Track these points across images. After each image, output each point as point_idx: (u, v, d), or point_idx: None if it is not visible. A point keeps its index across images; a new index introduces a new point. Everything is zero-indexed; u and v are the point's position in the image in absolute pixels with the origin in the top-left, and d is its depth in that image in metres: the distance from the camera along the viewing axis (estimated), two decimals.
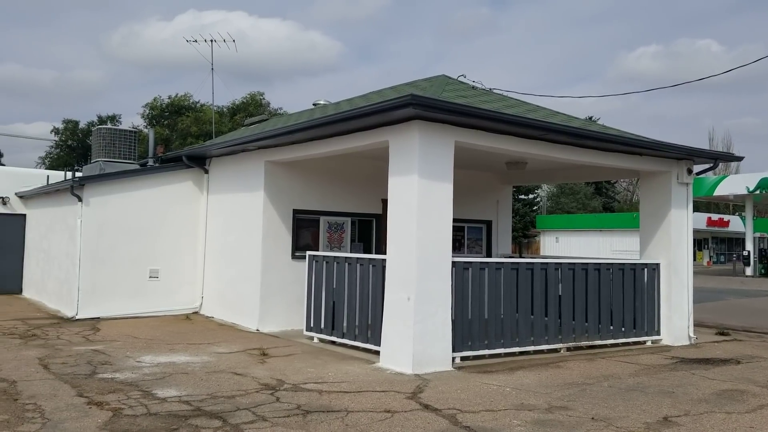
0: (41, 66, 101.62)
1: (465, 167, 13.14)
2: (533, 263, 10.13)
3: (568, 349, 10.27)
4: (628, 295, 11.05)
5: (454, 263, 8.96)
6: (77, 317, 12.65)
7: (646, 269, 11.37)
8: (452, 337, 8.79)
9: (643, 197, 12.28)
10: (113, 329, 11.50)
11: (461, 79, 12.41)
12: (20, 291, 17.64)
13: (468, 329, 9.17)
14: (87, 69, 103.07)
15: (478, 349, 9.29)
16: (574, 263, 10.59)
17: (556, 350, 10.13)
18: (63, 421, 5.86)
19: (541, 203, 61.44)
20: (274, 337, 11.12)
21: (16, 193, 17.80)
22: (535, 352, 9.93)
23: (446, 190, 8.83)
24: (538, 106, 12.08)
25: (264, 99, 50.81)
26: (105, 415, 6.06)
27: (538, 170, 14.34)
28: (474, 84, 12.31)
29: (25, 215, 17.90)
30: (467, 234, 15.35)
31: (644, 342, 11.22)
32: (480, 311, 9.33)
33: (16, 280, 17.71)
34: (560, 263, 10.45)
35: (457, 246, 14.78)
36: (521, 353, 9.76)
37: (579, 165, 12.24)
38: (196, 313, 13.75)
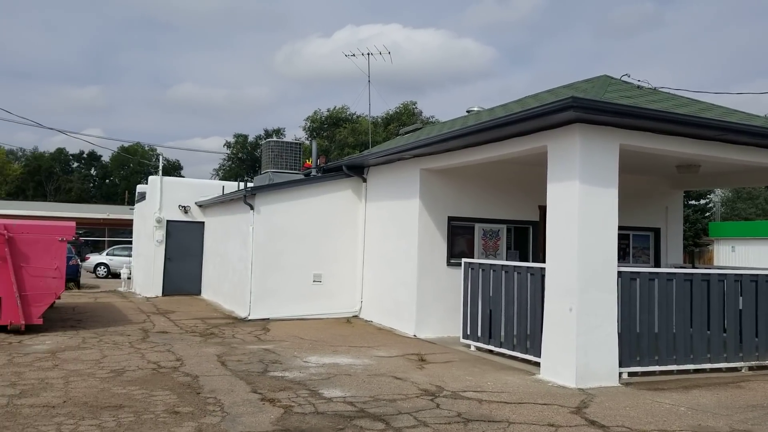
0: (215, 85, 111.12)
1: (631, 171, 12.46)
2: (709, 274, 9.35)
3: (750, 368, 9.36)
4: None
5: (620, 273, 8.51)
6: (249, 318, 13.59)
7: None
8: (619, 351, 8.34)
9: None
10: (281, 330, 12.21)
11: (624, 78, 11.77)
12: (199, 292, 19.30)
13: (636, 343, 8.66)
14: (255, 86, 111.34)
15: (648, 365, 8.73)
16: (756, 274, 9.64)
17: (736, 369, 9.27)
18: (240, 415, 6.30)
19: (714, 209, 56.71)
20: (430, 343, 11.22)
21: (195, 203, 19.52)
22: (712, 370, 9.16)
23: (610, 196, 8.42)
24: (712, 104, 11.16)
25: (416, 108, 51.72)
26: (277, 412, 6.44)
27: (713, 173, 13.24)
28: (639, 83, 11.62)
29: (203, 223, 19.57)
30: (632, 242, 14.51)
31: None
32: (649, 325, 8.77)
33: (196, 282, 19.41)
34: (741, 274, 9.55)
35: (621, 255, 13.99)
36: (696, 371, 9.04)
37: (760, 167, 11.13)
38: (355, 316, 14.23)
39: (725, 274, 9.46)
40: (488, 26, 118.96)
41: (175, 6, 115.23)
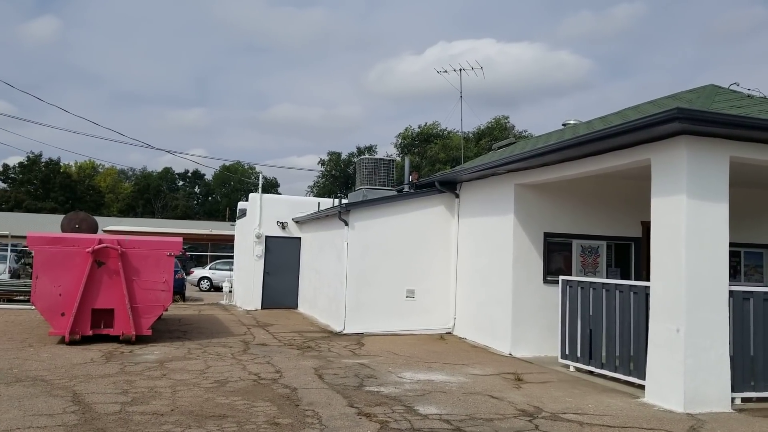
0: (310, 105, 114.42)
1: (742, 185, 11.75)
2: None
3: None
4: None
5: (731, 293, 8.03)
6: (344, 332, 13.80)
7: None
8: (731, 374, 7.85)
9: None
10: (375, 345, 12.32)
11: (733, 87, 11.16)
12: (296, 306, 19.79)
13: (750, 367, 8.12)
14: (348, 105, 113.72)
15: (763, 391, 8.16)
16: None
17: None
18: (338, 429, 6.40)
19: None
20: (527, 362, 10.98)
21: (292, 219, 20.09)
22: None
23: (720, 211, 7.98)
24: None
25: (509, 122, 51.11)
26: (373, 427, 6.49)
27: None
28: (749, 92, 10.99)
29: (299, 238, 20.10)
30: (744, 260, 13.64)
31: None
32: (765, 348, 8.21)
33: (292, 296, 19.93)
34: None
35: (732, 273, 13.19)
36: None
37: None
38: (449, 333, 14.15)
39: None
40: (585, 37, 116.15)
41: (273, 32, 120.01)
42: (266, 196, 20.80)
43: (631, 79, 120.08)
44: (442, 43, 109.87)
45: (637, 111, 11.07)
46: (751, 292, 8.38)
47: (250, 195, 20.50)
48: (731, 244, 8.30)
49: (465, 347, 12.53)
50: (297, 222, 20.05)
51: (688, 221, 7.84)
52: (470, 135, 50.33)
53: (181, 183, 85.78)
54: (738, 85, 11.19)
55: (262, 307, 19.49)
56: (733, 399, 7.89)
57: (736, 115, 7.91)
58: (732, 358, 7.93)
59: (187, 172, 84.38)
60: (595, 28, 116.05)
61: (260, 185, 21.71)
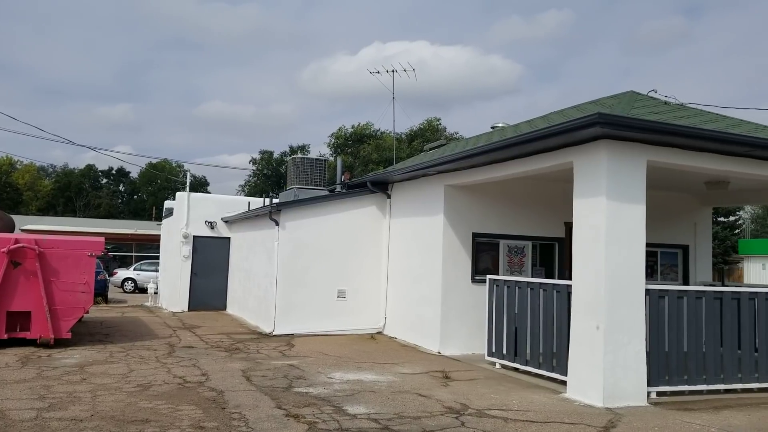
0: (243, 103, 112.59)
1: (658, 188, 12.31)
2: (740, 292, 9.17)
3: None
4: None
5: (648, 291, 8.39)
6: (274, 333, 13.64)
7: None
8: (647, 370, 8.21)
9: None
10: (305, 346, 12.23)
11: (651, 94, 11.68)
12: (224, 308, 19.43)
13: (665, 362, 8.50)
14: (281, 103, 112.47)
15: (677, 385, 8.57)
16: None
17: None
18: (265, 431, 6.31)
19: (744, 226, 55.69)
20: (455, 360, 11.14)
21: (221, 219, 19.71)
22: (743, 390, 8.95)
23: (638, 213, 8.33)
24: (741, 120, 11.01)
25: (440, 124, 51.81)
26: (301, 428, 6.43)
27: (742, 190, 13.02)
28: (666, 99, 11.52)
29: (229, 238, 19.75)
30: (661, 260, 14.31)
31: None
32: (678, 344, 8.62)
33: (221, 297, 19.55)
34: None
35: (649, 272, 13.80)
36: (726, 391, 8.85)
37: None
38: (379, 333, 14.21)
39: (756, 292, 9.27)
40: (515, 43, 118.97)
41: (206, 27, 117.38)
42: (194, 195, 20.35)
43: (559, 84, 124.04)
44: (377, 43, 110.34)
45: (562, 115, 11.43)
46: (666, 290, 8.78)
47: (178, 194, 20.01)
48: (648, 245, 8.68)
49: (395, 346, 12.61)
50: (226, 222, 19.69)
51: (607, 222, 8.14)
52: (403, 136, 50.72)
53: (104, 181, 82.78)
54: (656, 92, 11.71)
55: (189, 309, 19.05)
56: (649, 393, 8.24)
57: (653, 120, 8.27)
58: (648, 354, 8.28)
59: (111, 169, 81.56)
60: (525, 33, 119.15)
61: (188, 183, 21.22)
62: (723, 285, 13.33)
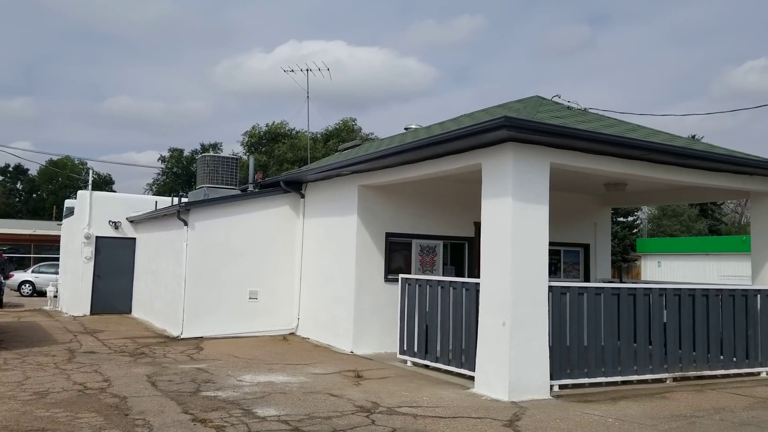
0: (152, 98, 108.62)
1: (561, 189, 12.85)
2: (635, 288, 9.70)
3: (675, 379, 9.73)
4: (739, 323, 10.36)
5: (551, 288, 8.74)
6: (182, 336, 13.25)
7: (759, 296, 10.63)
8: (550, 364, 8.54)
9: (755, 219, 11.54)
10: (215, 348, 11.95)
11: (556, 99, 12.18)
12: (130, 311, 18.70)
13: (566, 356, 8.88)
14: (193, 100, 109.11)
15: (578, 378, 8.96)
16: (679, 288, 10.07)
17: (661, 380, 9.63)
18: None
19: (641, 226, 58.95)
20: (367, 359, 11.20)
21: (127, 218, 18.96)
22: (639, 381, 9.48)
23: (542, 213, 8.65)
24: (638, 125, 11.67)
25: (356, 125, 51.88)
26: None
27: (639, 192, 13.80)
28: (569, 104, 12.04)
29: (134, 239, 19.02)
30: (564, 258, 14.94)
31: (758, 373, 10.46)
32: (579, 338, 9.02)
33: (126, 300, 18.81)
34: (665, 288, 9.95)
35: (553, 270, 14.38)
36: (624, 383, 9.34)
37: (683, 186, 11.69)
38: (292, 333, 14.08)
39: (650, 289, 9.84)
40: (431, 46, 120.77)
41: (113, 19, 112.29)
42: (98, 193, 19.50)
43: (472, 87, 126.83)
44: (293, 42, 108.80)
45: (472, 118, 11.73)
46: (568, 287, 9.17)
47: (79, 192, 19.10)
48: (552, 244, 9.03)
49: (308, 347, 12.53)
50: (132, 222, 18.96)
51: (513, 222, 8.40)
52: (318, 136, 50.46)
53: (0, 178, 77.79)
54: (560, 98, 12.24)
55: (92, 313, 18.23)
56: (551, 386, 8.57)
57: (556, 124, 8.61)
58: (551, 349, 8.62)
59: (8, 166, 76.56)
60: (440, 37, 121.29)
61: (91, 181, 20.30)
62: (621, 282, 14.07)
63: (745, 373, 10.36)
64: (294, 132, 51.12)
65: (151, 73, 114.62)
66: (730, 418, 7.50)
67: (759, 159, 10.32)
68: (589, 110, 12.42)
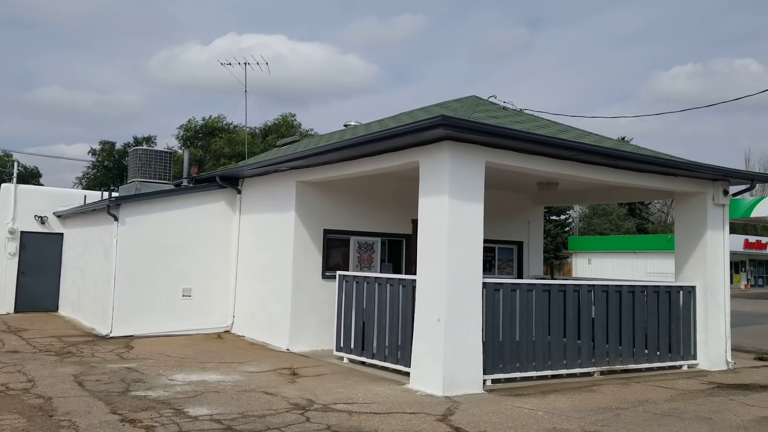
0: (83, 89, 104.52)
1: (496, 188, 13.10)
2: (566, 285, 10.00)
3: (602, 373, 10.09)
4: (663, 319, 10.83)
5: (485, 284, 8.90)
6: (111, 335, 12.84)
7: (681, 292, 11.15)
8: (483, 359, 8.71)
9: (678, 219, 12.07)
10: (146, 347, 11.64)
11: (492, 99, 12.42)
12: (56, 309, 18.00)
13: (499, 351, 9.08)
14: (126, 92, 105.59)
15: (510, 372, 9.18)
16: (607, 285, 10.44)
17: (589, 374, 9.95)
18: None
19: (573, 224, 60.76)
20: (304, 356, 11.14)
21: (54, 213, 18.23)
22: (568, 375, 9.78)
23: (477, 211, 8.80)
24: (570, 126, 12.02)
25: (296, 120, 51.38)
26: None
27: (570, 191, 14.22)
28: (505, 105, 12.29)
29: (62, 234, 18.31)
30: (498, 255, 15.25)
31: (680, 366, 10.97)
32: (511, 333, 9.23)
33: (52, 298, 18.09)
34: (593, 285, 10.30)
35: (488, 267, 14.69)
36: (553, 377, 9.61)
37: (612, 186, 12.11)
38: (227, 331, 13.86)
39: (580, 285, 10.16)
40: (372, 44, 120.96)
41: (42, 6, 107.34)
42: (23, 186, 18.68)
43: (412, 86, 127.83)
44: (232, 35, 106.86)
45: (410, 116, 11.83)
46: (501, 283, 9.37)
47: (3, 185, 18.23)
48: (487, 241, 9.21)
49: (243, 345, 12.36)
50: (59, 216, 18.24)
51: (449, 219, 8.52)
52: (257, 131, 49.74)
53: None
54: (496, 98, 12.50)
55: (16, 311, 17.46)
56: (484, 381, 8.75)
57: (491, 124, 8.77)
58: (484, 344, 8.79)
59: None
60: (381, 35, 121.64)
61: (15, 174, 19.41)
62: (553, 278, 14.47)
63: (668, 366, 10.84)
64: (232, 126, 50.23)
65: (81, 63, 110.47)
66: (652, 409, 7.84)
67: (682, 161, 10.80)
68: (524, 111, 12.73)
